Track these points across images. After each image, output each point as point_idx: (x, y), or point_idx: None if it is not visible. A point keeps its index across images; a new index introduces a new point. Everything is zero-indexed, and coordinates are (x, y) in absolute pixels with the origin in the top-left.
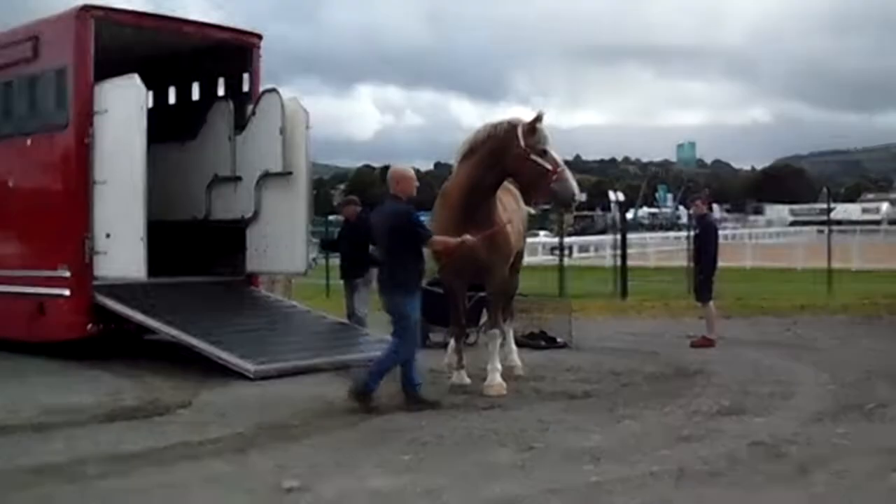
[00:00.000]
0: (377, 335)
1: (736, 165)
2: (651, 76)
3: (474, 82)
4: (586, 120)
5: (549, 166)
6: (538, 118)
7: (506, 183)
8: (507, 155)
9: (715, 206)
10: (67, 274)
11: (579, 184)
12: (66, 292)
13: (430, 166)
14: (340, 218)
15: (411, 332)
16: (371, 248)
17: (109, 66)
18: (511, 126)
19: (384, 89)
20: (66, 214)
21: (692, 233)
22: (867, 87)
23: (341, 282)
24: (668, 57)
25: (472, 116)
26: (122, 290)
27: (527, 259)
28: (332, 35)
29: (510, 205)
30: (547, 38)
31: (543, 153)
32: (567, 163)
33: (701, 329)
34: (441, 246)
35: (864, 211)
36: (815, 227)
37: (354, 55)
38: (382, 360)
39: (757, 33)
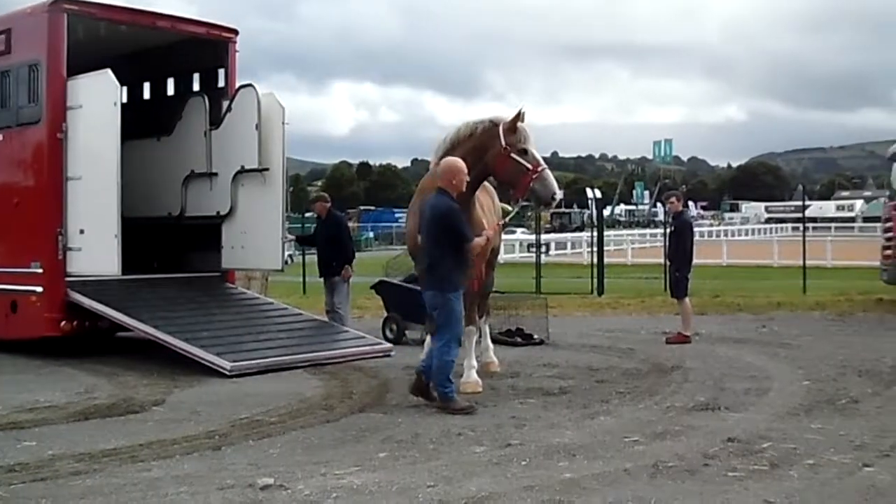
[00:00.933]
0: (355, 332)
1: (712, 162)
2: (628, 74)
3: (450, 79)
4: (563, 117)
5: (529, 165)
6: (519, 116)
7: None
8: (489, 153)
9: (690, 203)
10: (40, 270)
11: (557, 181)
12: (39, 289)
13: (407, 163)
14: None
15: (458, 325)
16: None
17: (83, 61)
18: (492, 124)
19: (360, 86)
20: (39, 210)
21: (668, 230)
22: (840, 86)
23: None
24: (643, 55)
25: (448, 113)
26: (96, 287)
27: (504, 256)
28: (307, 31)
29: (486, 202)
30: (523, 36)
31: (524, 152)
32: (544, 159)
33: (677, 325)
34: (479, 249)
35: (839, 208)
36: (790, 225)
37: (329, 51)
38: (439, 363)
39: (730, 32)
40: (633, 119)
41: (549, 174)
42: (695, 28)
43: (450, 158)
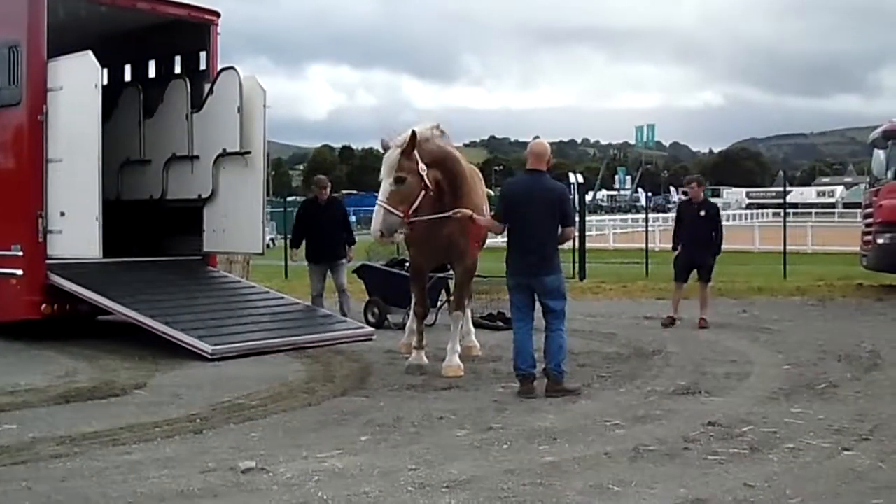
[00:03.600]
0: (337, 316)
1: (694, 148)
2: (604, 58)
3: (426, 63)
4: (543, 101)
5: None
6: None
7: (472, 165)
8: None
9: (672, 188)
10: (20, 253)
11: None
12: (19, 272)
13: None
14: (299, 198)
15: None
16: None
17: (64, 43)
18: None
19: (336, 69)
20: (19, 193)
21: (697, 216)
22: (817, 72)
23: (307, 263)
24: (619, 39)
25: (425, 97)
26: (77, 270)
27: (487, 241)
28: (282, 14)
29: (480, 188)
30: (498, 20)
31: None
32: (526, 144)
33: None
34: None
35: (820, 194)
36: (771, 210)
37: (305, 35)
38: (563, 346)
39: (705, 17)
40: (613, 104)
41: (376, 209)
42: (669, 12)
43: (537, 141)
